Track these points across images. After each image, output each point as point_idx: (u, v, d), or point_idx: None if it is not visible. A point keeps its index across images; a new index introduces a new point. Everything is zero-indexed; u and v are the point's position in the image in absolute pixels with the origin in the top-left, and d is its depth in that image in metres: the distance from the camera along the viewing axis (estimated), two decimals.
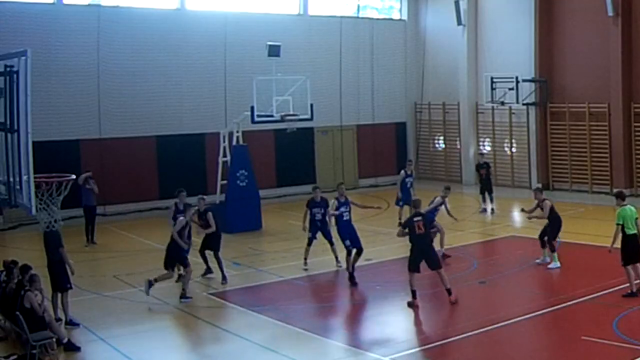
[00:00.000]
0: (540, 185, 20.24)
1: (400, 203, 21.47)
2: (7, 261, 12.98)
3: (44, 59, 22.36)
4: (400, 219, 20.93)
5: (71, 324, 12.94)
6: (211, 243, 16.17)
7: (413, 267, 13.74)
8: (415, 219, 13.82)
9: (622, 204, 13.67)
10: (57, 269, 13.06)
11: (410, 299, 13.63)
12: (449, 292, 13.60)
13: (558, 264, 16.02)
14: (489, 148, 30.23)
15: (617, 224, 13.47)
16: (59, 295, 13.11)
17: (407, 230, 13.82)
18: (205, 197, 16.92)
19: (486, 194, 23.91)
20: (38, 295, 11.75)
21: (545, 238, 16.28)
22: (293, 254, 18.50)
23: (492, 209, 23.66)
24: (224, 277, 15.92)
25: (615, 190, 15.21)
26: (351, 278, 15.44)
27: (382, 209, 21.66)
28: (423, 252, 13.75)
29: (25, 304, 11.34)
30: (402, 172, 22.13)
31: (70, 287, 13.23)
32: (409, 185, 21.76)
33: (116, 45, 25.10)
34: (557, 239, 16.50)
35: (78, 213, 20.95)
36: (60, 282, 13.07)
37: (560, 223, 16.34)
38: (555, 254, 16.14)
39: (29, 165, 9.73)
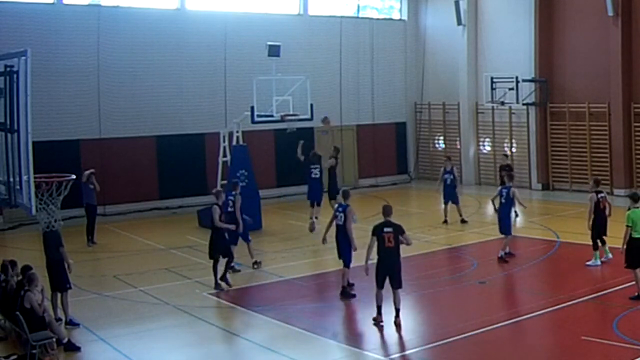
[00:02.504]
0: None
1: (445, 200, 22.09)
2: (5, 261, 13.00)
3: (44, 59, 22.34)
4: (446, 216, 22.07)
5: (71, 324, 12.95)
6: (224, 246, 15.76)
7: (379, 283, 12.64)
8: (385, 229, 12.50)
9: (635, 205, 13.59)
10: (57, 269, 13.07)
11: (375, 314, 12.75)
12: (397, 312, 12.55)
13: (598, 262, 16.03)
14: (489, 148, 30.26)
15: (627, 226, 13.35)
16: (59, 295, 13.12)
17: (375, 239, 12.55)
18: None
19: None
20: (38, 295, 11.76)
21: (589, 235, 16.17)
22: (293, 254, 18.54)
23: (515, 212, 21.23)
24: (225, 281, 15.62)
25: (630, 192, 14.95)
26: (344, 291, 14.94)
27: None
28: (388, 268, 12.54)
29: (25, 304, 11.34)
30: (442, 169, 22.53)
31: (70, 287, 13.24)
32: (448, 182, 21.94)
33: (116, 45, 25.10)
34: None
35: (78, 213, 20.95)
36: (61, 282, 13.08)
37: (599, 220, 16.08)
38: (596, 252, 16.08)
39: (29, 165, 9.72)
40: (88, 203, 20.37)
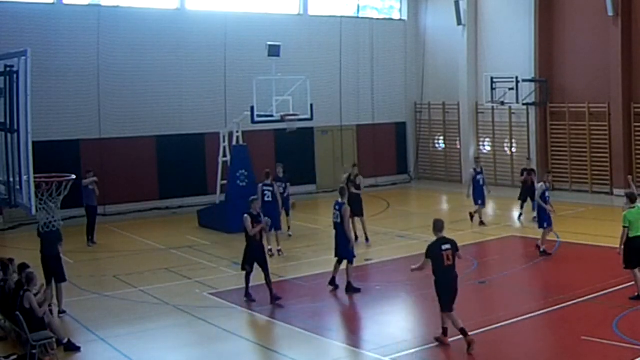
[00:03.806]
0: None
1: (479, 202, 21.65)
2: (5, 259, 13.02)
3: (44, 59, 22.35)
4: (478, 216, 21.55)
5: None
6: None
7: (447, 307, 11.44)
8: (444, 247, 11.35)
9: (631, 205, 13.50)
10: (56, 263, 13.49)
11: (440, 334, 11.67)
12: (462, 332, 11.30)
13: None
14: (489, 148, 30.25)
15: (623, 227, 13.24)
16: (54, 287, 13.38)
17: (430, 260, 11.36)
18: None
19: (528, 201, 21.79)
20: (39, 295, 11.76)
21: None
22: (293, 254, 18.53)
23: (520, 213, 22.16)
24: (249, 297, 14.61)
25: (626, 191, 14.61)
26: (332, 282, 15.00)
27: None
28: (452, 287, 11.48)
29: (25, 304, 11.34)
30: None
31: (66, 280, 13.72)
32: (481, 183, 21.58)
33: (116, 45, 25.11)
34: None
35: (78, 213, 20.97)
36: (61, 274, 13.54)
37: None
38: None
39: (29, 165, 9.71)
40: (88, 204, 20.37)
